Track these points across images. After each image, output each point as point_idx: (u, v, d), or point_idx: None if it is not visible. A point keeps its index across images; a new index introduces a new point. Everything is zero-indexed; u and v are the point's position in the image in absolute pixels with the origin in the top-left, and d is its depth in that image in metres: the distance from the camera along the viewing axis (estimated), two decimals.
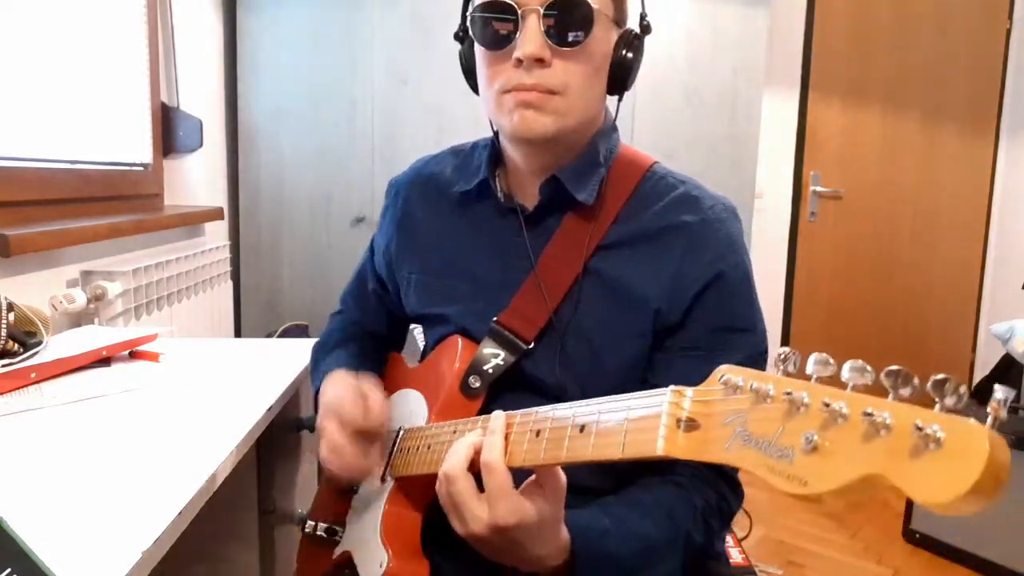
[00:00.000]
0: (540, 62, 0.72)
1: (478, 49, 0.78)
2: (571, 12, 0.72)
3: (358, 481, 0.84)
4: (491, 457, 0.60)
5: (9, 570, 0.52)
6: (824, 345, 3.06)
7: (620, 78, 0.78)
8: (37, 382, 0.97)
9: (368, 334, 1.02)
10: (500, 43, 0.74)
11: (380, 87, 2.33)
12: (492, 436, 0.61)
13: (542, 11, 0.71)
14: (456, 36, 0.83)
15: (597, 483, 0.77)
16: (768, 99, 2.63)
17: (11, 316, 1.02)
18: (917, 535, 2.22)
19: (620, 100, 0.82)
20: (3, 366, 0.95)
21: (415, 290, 0.90)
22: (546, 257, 0.80)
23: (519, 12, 0.71)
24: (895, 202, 3.16)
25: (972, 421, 0.34)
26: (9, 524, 0.58)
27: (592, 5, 0.72)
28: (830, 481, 0.37)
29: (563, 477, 0.61)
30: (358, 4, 2.30)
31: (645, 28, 0.81)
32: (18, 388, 0.94)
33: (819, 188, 3.08)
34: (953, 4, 3.05)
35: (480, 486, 0.61)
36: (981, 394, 2.46)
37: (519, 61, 0.72)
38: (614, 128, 0.85)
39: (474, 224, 0.86)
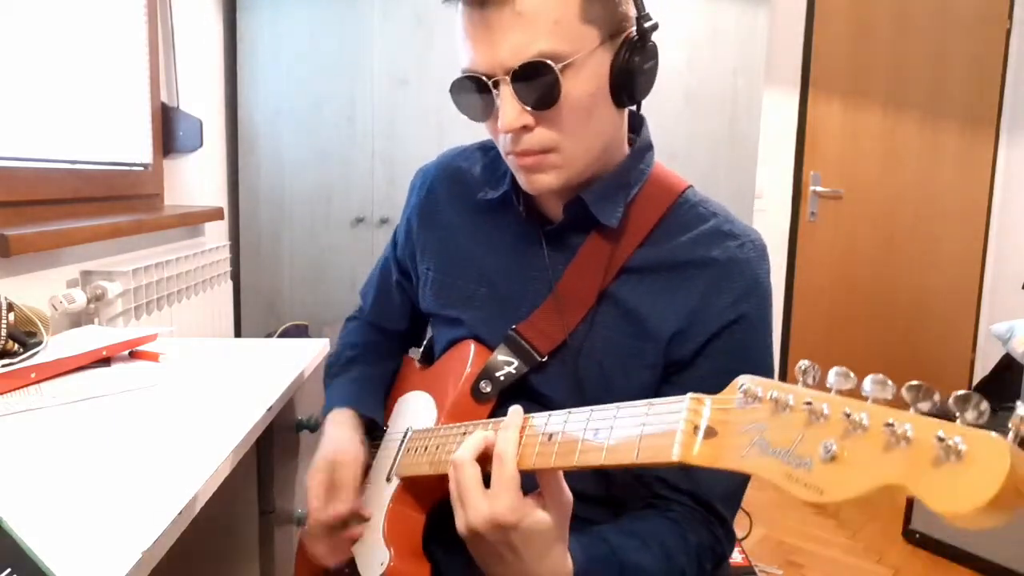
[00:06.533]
0: (524, 128, 0.70)
1: None
2: (534, 78, 0.67)
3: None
4: (503, 448, 0.60)
5: (9, 570, 0.52)
6: (824, 345, 3.05)
7: (628, 91, 0.72)
8: (37, 382, 0.97)
9: (382, 337, 1.01)
10: (484, 114, 0.72)
11: (380, 87, 2.33)
12: (507, 431, 0.61)
13: (510, 80, 0.68)
14: None
15: (591, 489, 0.77)
16: (768, 99, 2.63)
17: (11, 316, 1.01)
18: (917, 535, 2.22)
19: (638, 109, 0.78)
20: (3, 366, 0.95)
21: (431, 288, 0.89)
22: (567, 276, 0.79)
23: (490, 83, 0.69)
24: (895, 202, 3.16)
25: (994, 435, 0.34)
26: (9, 524, 0.58)
27: (552, 64, 0.66)
28: (848, 490, 0.38)
29: (569, 495, 0.62)
30: (358, 4, 2.30)
31: (646, 31, 0.72)
32: (18, 388, 0.94)
33: (819, 188, 3.08)
34: (953, 4, 3.04)
35: (488, 484, 0.61)
36: (981, 394, 2.46)
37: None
38: (649, 147, 0.82)
39: (497, 229, 0.85)
